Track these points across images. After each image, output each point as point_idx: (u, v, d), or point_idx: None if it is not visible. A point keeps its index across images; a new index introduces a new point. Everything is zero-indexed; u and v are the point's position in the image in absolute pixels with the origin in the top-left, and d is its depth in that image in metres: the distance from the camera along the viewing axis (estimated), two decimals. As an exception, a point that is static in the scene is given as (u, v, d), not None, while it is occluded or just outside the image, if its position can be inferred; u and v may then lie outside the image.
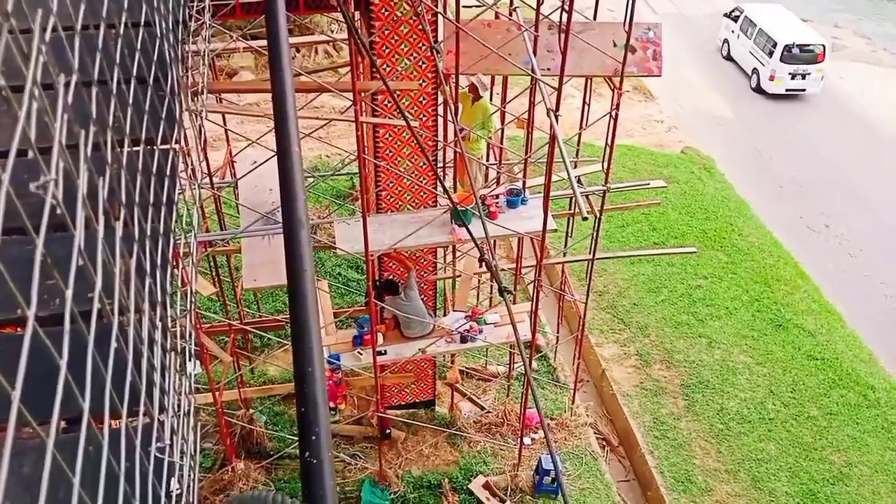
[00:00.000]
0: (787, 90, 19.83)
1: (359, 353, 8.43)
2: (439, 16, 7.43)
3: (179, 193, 1.34)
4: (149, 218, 1.10)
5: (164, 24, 1.35)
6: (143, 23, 1.26)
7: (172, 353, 1.18)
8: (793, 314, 12.90)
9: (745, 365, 11.93)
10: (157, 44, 1.24)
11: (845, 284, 14.15)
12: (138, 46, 1.14)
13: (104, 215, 0.82)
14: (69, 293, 0.71)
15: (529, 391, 9.04)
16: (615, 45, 8.53)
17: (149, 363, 0.94)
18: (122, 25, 1.05)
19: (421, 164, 8.20)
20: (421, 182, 8.31)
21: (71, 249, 0.82)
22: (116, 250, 0.91)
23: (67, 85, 0.74)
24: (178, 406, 1.27)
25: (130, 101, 1.04)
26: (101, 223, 0.81)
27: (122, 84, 1.01)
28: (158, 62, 1.22)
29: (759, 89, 20.20)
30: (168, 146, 1.29)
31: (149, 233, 1.04)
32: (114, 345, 0.84)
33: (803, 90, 19.97)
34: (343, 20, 6.04)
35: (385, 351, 8.43)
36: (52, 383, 0.86)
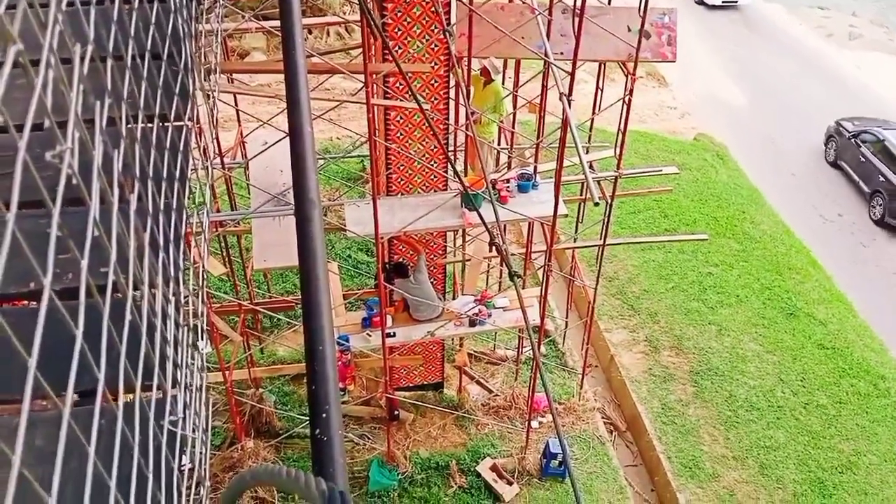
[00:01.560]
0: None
1: (368, 334, 8.46)
2: (452, -2, 7.38)
3: (192, 171, 1.34)
4: (162, 193, 1.10)
5: (177, 0, 1.34)
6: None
7: (185, 328, 1.19)
8: (804, 303, 12.84)
9: (754, 353, 11.91)
10: (171, 19, 1.24)
11: (857, 274, 14.06)
12: (153, 20, 1.14)
13: (118, 189, 0.82)
14: (84, 263, 0.72)
15: (538, 375, 9.06)
16: (629, 29, 8.45)
17: (162, 337, 0.95)
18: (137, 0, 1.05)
19: (432, 147, 8.18)
20: (431, 165, 8.29)
21: (85, 223, 0.83)
22: (131, 224, 0.91)
23: (83, 57, 0.74)
24: (191, 381, 1.28)
25: (145, 75, 1.04)
26: (115, 196, 0.81)
27: (136, 58, 1.01)
28: (172, 37, 1.21)
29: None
30: (181, 122, 1.29)
31: (162, 208, 1.05)
32: (128, 318, 0.85)
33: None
34: (355, 2, 6.02)
35: (394, 333, 8.45)
36: (64, 356, 0.87)
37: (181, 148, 1.17)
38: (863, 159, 15.76)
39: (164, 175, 1.07)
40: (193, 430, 1.25)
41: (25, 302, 1.27)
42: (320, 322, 1.54)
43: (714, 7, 23.07)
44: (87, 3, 0.81)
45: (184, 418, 1.13)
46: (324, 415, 1.42)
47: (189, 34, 1.40)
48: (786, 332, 12.32)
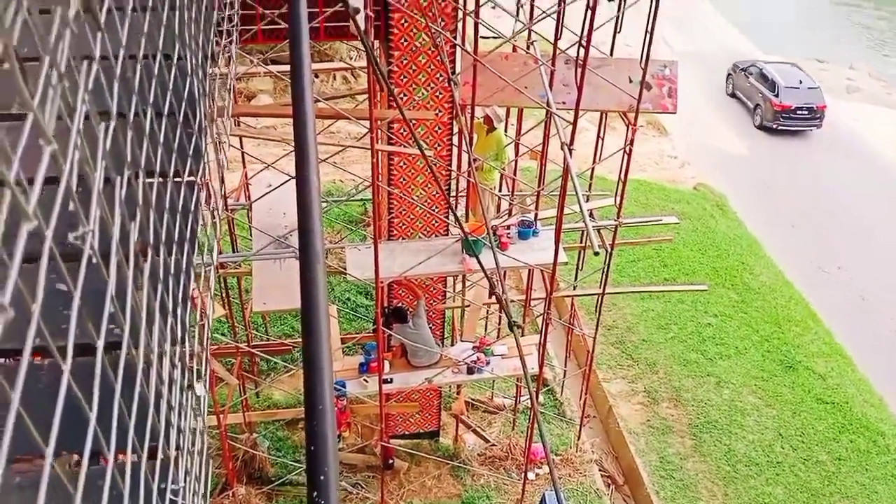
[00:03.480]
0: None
1: (365, 380, 8.38)
2: (457, 48, 7.50)
3: (201, 226, 1.34)
4: (173, 254, 1.10)
5: (193, 60, 1.35)
6: (175, 58, 1.26)
7: (190, 391, 1.17)
8: (803, 356, 12.77)
9: (753, 406, 11.79)
10: (188, 81, 1.25)
11: (856, 327, 14.01)
12: (170, 86, 1.15)
13: (123, 252, 0.81)
14: (100, 342, 0.71)
15: (535, 425, 8.95)
16: (631, 81, 8.58)
17: (167, 404, 0.93)
18: (157, 63, 1.06)
19: (434, 192, 8.22)
20: (433, 210, 8.33)
21: (92, 281, 0.81)
22: (145, 286, 0.90)
23: (107, 132, 0.74)
24: (193, 444, 1.25)
25: (161, 140, 1.05)
26: (131, 267, 0.81)
27: (152, 122, 1.01)
28: (188, 99, 1.22)
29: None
30: (192, 178, 1.29)
31: (172, 270, 1.04)
32: (138, 386, 0.83)
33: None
34: (362, 49, 6.13)
35: (391, 379, 8.38)
36: (69, 418, 0.85)
37: (192, 207, 1.17)
38: (748, 84, 21.02)
39: (176, 237, 1.06)
40: (193, 497, 1.21)
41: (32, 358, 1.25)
42: (321, 380, 1.51)
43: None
44: (109, 73, 0.82)
45: (185, 486, 1.10)
46: (322, 477, 1.39)
47: (204, 93, 1.42)
48: (785, 385, 12.22)
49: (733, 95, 21.69)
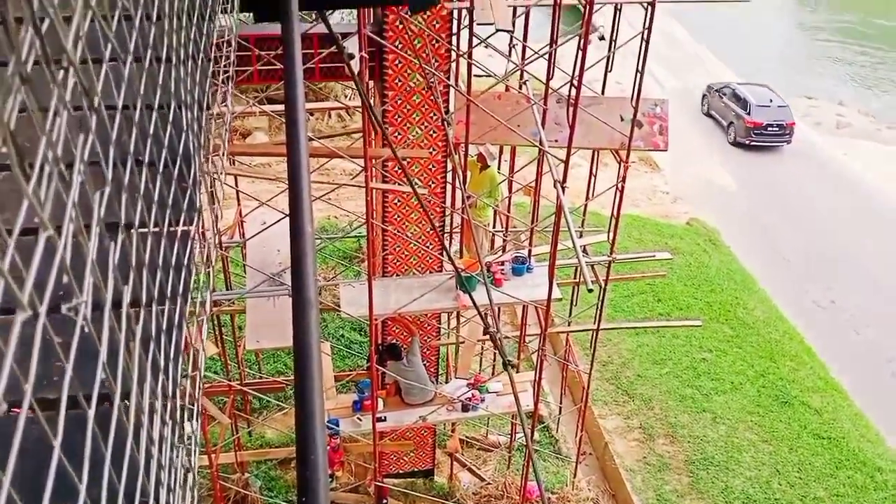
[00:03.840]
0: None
1: (358, 418, 8.32)
2: (451, 88, 7.61)
3: (195, 279, 1.35)
4: (165, 305, 1.11)
5: (189, 114, 1.38)
6: (171, 113, 1.29)
7: (182, 449, 1.17)
8: (798, 391, 12.74)
9: (750, 442, 11.72)
10: (183, 138, 1.27)
11: (851, 362, 14.00)
12: (165, 143, 1.17)
13: (114, 315, 0.82)
14: (92, 407, 0.72)
15: (531, 463, 8.87)
16: (622, 119, 8.69)
17: (158, 464, 0.94)
18: (152, 115, 1.08)
19: (428, 229, 8.26)
20: (427, 247, 8.36)
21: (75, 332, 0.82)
22: (136, 342, 0.91)
23: (102, 194, 0.76)
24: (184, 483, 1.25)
25: (156, 199, 1.06)
26: (122, 334, 0.82)
27: (148, 184, 1.03)
28: (183, 156, 1.25)
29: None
30: (187, 229, 1.30)
31: (165, 324, 1.05)
32: (128, 451, 0.84)
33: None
34: (357, 90, 6.22)
35: (385, 417, 8.32)
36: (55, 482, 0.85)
37: (185, 261, 1.19)
38: (722, 104, 22.23)
39: (168, 291, 1.07)
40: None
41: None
42: (313, 430, 1.51)
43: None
44: (105, 142, 0.84)
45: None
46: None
47: (199, 147, 1.44)
48: (781, 420, 12.17)
49: (708, 115, 23.05)
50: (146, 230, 1.01)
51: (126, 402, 0.89)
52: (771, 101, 21.38)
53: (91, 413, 0.70)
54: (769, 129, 20.88)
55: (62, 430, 0.67)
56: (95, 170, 0.85)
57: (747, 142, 21.10)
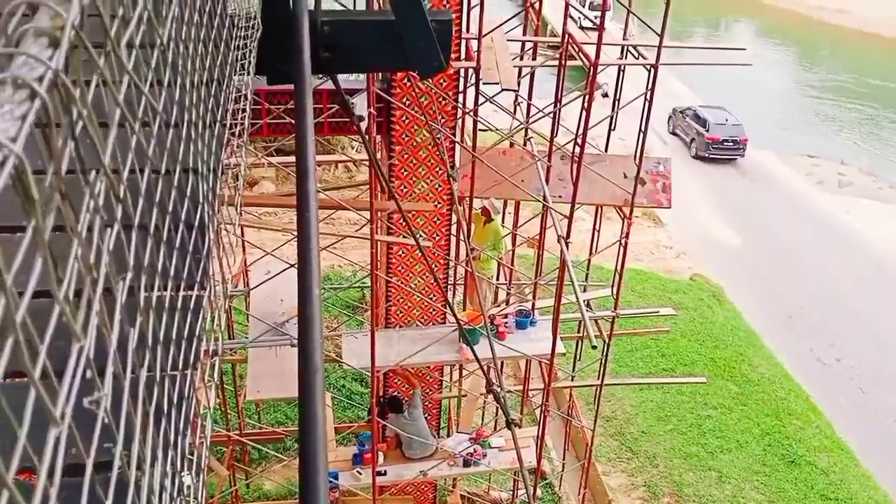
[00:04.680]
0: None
1: (358, 472, 8.21)
2: (456, 143, 7.73)
3: (205, 352, 1.37)
4: (177, 383, 1.13)
5: (204, 185, 1.42)
6: (188, 181, 1.33)
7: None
8: (805, 450, 12.55)
9: (757, 502, 11.50)
10: (199, 210, 1.31)
11: (858, 421, 13.82)
12: (182, 214, 1.21)
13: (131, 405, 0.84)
14: (110, 495, 0.73)
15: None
16: (626, 176, 8.79)
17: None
18: (170, 183, 1.12)
19: (432, 281, 8.29)
20: (431, 299, 8.37)
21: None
22: (150, 422, 0.93)
23: (122, 288, 0.79)
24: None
25: (172, 274, 1.09)
26: (139, 422, 0.83)
27: (164, 253, 1.06)
28: (199, 225, 1.28)
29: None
30: (200, 299, 1.33)
31: (175, 400, 1.06)
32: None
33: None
34: (364, 146, 6.34)
35: (385, 471, 8.21)
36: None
37: (197, 331, 1.21)
38: (685, 123, 25.06)
39: (180, 363, 1.09)
40: None
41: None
42: (316, 497, 1.50)
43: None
44: (128, 227, 0.87)
45: None
46: None
47: (213, 216, 1.48)
48: (787, 480, 11.95)
49: (673, 133, 25.81)
50: (159, 300, 1.04)
51: (139, 472, 0.90)
52: (727, 120, 24.34)
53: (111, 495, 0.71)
54: (725, 143, 24.00)
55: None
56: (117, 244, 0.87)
57: (707, 155, 24.03)
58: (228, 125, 1.93)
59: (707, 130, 23.97)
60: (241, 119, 2.20)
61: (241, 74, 2.30)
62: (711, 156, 23.99)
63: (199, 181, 1.43)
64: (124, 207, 0.84)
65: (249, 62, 2.36)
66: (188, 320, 1.20)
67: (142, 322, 0.89)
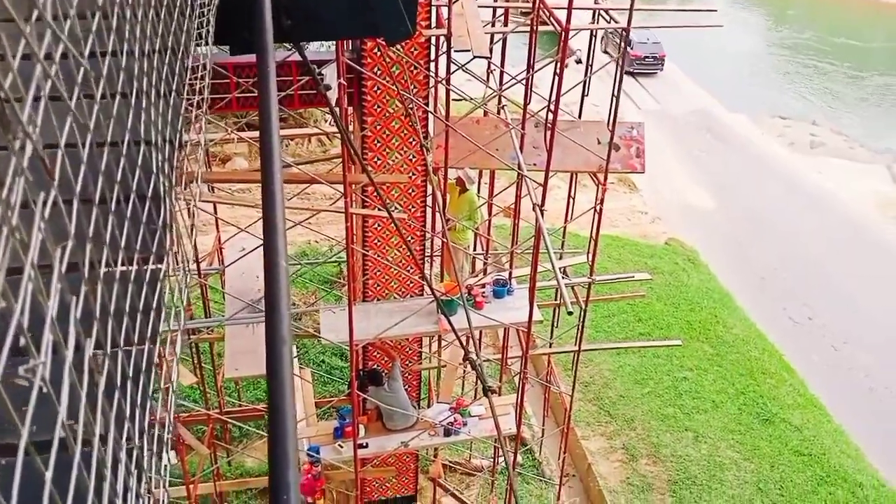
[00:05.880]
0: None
1: (339, 445, 8.24)
2: (429, 113, 7.65)
3: (165, 324, 1.34)
4: (133, 353, 1.10)
5: (160, 157, 1.38)
6: (140, 151, 1.29)
7: (149, 499, 1.15)
8: (779, 408, 12.82)
9: (732, 461, 11.75)
10: (153, 181, 1.27)
11: (830, 378, 14.14)
12: (134, 184, 1.17)
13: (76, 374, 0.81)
14: (51, 466, 0.71)
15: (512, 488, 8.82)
16: (599, 142, 8.78)
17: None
18: (120, 154, 1.08)
19: (409, 253, 8.26)
20: (408, 271, 8.35)
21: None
22: (100, 393, 0.90)
23: (63, 251, 0.76)
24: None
25: (122, 246, 1.06)
26: (85, 383, 0.81)
27: (114, 224, 1.03)
28: (153, 199, 1.24)
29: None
30: (155, 277, 1.29)
31: (132, 374, 1.04)
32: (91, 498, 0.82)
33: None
34: (331, 114, 6.25)
35: (367, 444, 8.24)
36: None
37: (154, 306, 1.17)
38: (615, 42, 25.00)
39: (136, 338, 1.06)
40: None
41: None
42: (286, 476, 1.49)
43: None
44: (68, 200, 0.84)
45: None
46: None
47: (171, 187, 1.44)
48: (762, 438, 12.22)
49: (605, 51, 27.02)
50: (112, 272, 1.01)
51: (86, 448, 0.88)
52: (647, 39, 27.42)
53: (51, 468, 0.69)
54: (646, 59, 27.64)
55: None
56: (55, 211, 0.84)
57: (631, 69, 26.80)
58: (185, 95, 1.87)
59: (631, 48, 25.89)
60: (201, 89, 2.15)
61: (198, 44, 2.24)
62: (635, 70, 27.27)
63: (153, 152, 1.39)
64: (63, 179, 0.81)
65: (208, 31, 2.29)
66: (144, 293, 1.17)
67: (87, 292, 0.86)
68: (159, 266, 1.39)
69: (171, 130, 1.56)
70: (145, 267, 1.31)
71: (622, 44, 7.89)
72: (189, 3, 2.23)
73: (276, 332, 1.69)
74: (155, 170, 1.30)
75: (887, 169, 23.35)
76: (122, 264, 1.14)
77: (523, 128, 8.13)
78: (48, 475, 0.68)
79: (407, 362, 8.94)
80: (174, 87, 1.75)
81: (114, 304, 1.01)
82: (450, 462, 10.86)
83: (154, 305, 1.21)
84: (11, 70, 0.68)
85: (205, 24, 2.33)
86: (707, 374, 13.33)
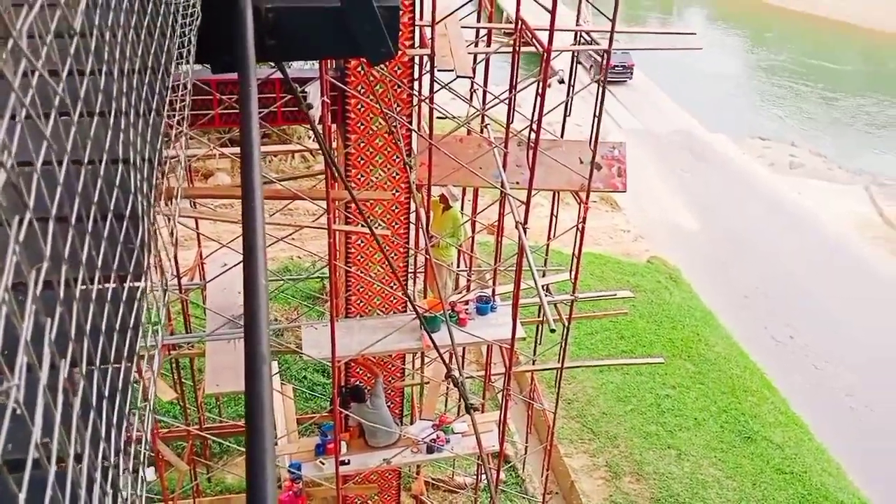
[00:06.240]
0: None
1: (321, 462, 8.19)
2: (413, 131, 7.70)
3: (142, 339, 1.35)
4: (109, 372, 1.11)
5: (138, 176, 1.40)
6: (118, 170, 1.30)
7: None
8: (760, 426, 12.89)
9: (714, 478, 11.79)
10: (130, 200, 1.29)
11: (811, 396, 14.24)
12: (111, 204, 1.19)
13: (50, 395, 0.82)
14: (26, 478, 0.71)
15: (496, 505, 8.79)
16: (581, 161, 8.87)
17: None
18: (97, 173, 1.09)
19: (392, 269, 8.27)
20: (391, 287, 8.36)
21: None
22: (74, 413, 0.91)
23: (37, 278, 0.77)
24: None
25: (99, 266, 1.07)
26: (59, 403, 0.82)
27: (90, 243, 1.04)
28: (131, 220, 1.26)
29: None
30: (133, 297, 1.30)
31: (108, 393, 1.05)
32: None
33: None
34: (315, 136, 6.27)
35: (348, 461, 8.20)
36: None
37: (131, 325, 1.19)
38: (586, 53, 29.88)
39: (112, 357, 1.07)
40: None
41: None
42: (263, 494, 1.49)
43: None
44: (44, 219, 0.85)
45: None
46: None
47: (149, 207, 1.45)
48: (744, 456, 12.28)
49: (578, 62, 28.48)
50: (85, 292, 1.02)
51: (61, 466, 0.89)
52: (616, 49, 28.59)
53: (24, 489, 0.70)
54: (616, 68, 27.47)
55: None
56: (30, 231, 0.85)
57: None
58: (166, 115, 1.89)
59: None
60: (181, 108, 2.16)
61: (179, 63, 2.26)
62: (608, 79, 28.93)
63: (132, 171, 1.41)
64: (40, 200, 0.83)
65: (189, 51, 2.31)
66: (120, 313, 1.18)
67: (62, 313, 0.88)
68: (137, 284, 1.40)
69: (150, 149, 1.57)
70: (123, 285, 1.32)
71: (603, 65, 8.00)
72: (170, 22, 2.25)
73: (256, 349, 1.70)
74: (133, 189, 1.31)
75: (865, 190, 23.69)
76: (99, 283, 1.15)
77: (506, 146, 8.20)
78: (21, 496, 0.69)
79: (389, 379, 8.92)
80: (154, 107, 1.76)
81: (90, 322, 1.02)
82: (432, 479, 10.81)
83: (132, 324, 1.22)
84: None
85: (186, 44, 2.35)
86: (689, 392, 13.39)
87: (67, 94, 0.99)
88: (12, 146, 0.72)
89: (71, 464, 0.84)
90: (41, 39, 0.90)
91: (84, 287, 1.05)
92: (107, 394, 1.04)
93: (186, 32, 2.22)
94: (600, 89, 8.49)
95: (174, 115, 2.37)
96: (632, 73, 29.00)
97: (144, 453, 1.48)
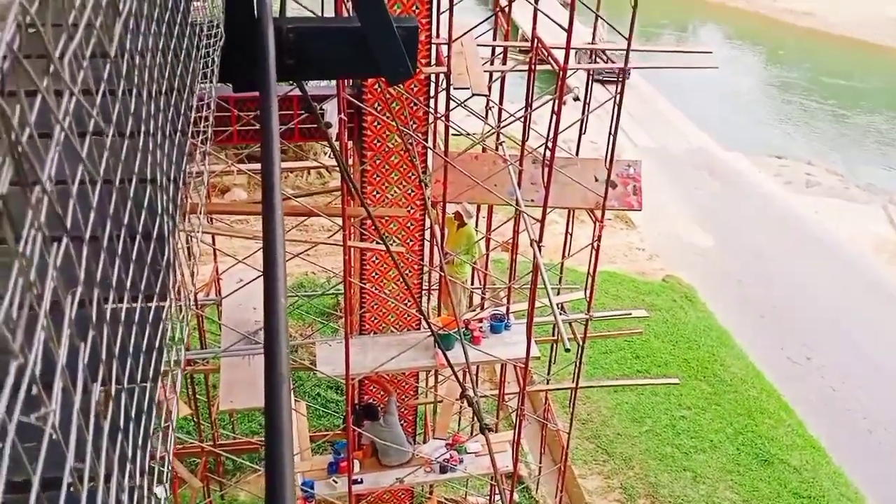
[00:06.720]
0: None
1: (334, 481, 8.15)
2: (428, 149, 7.74)
3: (166, 360, 1.35)
4: (135, 400, 1.11)
5: (164, 197, 1.41)
6: (146, 191, 1.31)
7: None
8: (777, 449, 12.72)
9: (731, 502, 11.62)
10: (157, 221, 1.29)
11: (828, 418, 14.04)
12: (139, 227, 1.19)
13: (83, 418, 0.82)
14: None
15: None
16: (596, 179, 8.86)
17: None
18: (126, 194, 1.10)
19: (406, 286, 8.27)
20: (406, 304, 8.35)
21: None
22: (104, 436, 0.91)
23: (74, 294, 0.78)
24: None
25: (127, 296, 1.08)
26: (91, 429, 0.82)
27: (119, 264, 1.05)
28: (158, 240, 1.26)
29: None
30: (159, 317, 1.31)
31: (134, 414, 1.05)
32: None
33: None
34: (333, 154, 6.32)
35: (361, 480, 8.16)
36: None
37: (157, 346, 1.18)
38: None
39: (139, 377, 1.07)
40: None
41: None
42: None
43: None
44: (78, 239, 0.86)
45: None
46: None
47: (174, 228, 1.46)
48: (761, 479, 12.10)
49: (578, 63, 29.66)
50: (114, 313, 1.02)
51: (92, 485, 0.89)
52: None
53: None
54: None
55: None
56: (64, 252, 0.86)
57: (600, 78, 27.92)
58: (190, 134, 1.91)
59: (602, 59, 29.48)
60: (204, 127, 2.18)
61: (203, 83, 2.28)
62: (603, 78, 27.91)
63: (158, 191, 1.42)
64: (73, 220, 0.83)
65: (212, 71, 2.34)
66: (147, 333, 1.18)
67: (94, 336, 0.88)
68: (162, 304, 1.40)
69: (175, 169, 1.58)
70: (149, 305, 1.33)
71: (620, 83, 8.01)
72: (195, 43, 2.28)
73: (275, 369, 1.69)
74: (160, 209, 1.32)
75: (883, 209, 23.48)
76: (127, 303, 1.16)
77: (521, 164, 8.21)
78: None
79: (403, 397, 8.89)
80: (179, 127, 1.78)
81: (119, 344, 1.02)
82: (445, 499, 10.72)
83: (157, 344, 1.22)
84: (27, 121, 0.70)
85: (210, 64, 2.38)
86: (705, 414, 13.25)
87: (101, 115, 1.00)
88: (52, 168, 0.73)
89: (101, 486, 0.83)
90: (76, 62, 0.92)
91: (113, 307, 1.06)
92: (133, 414, 1.04)
93: (210, 53, 2.25)
94: (615, 108, 8.50)
95: (198, 134, 2.39)
96: (629, 73, 29.59)
97: (167, 473, 1.47)
